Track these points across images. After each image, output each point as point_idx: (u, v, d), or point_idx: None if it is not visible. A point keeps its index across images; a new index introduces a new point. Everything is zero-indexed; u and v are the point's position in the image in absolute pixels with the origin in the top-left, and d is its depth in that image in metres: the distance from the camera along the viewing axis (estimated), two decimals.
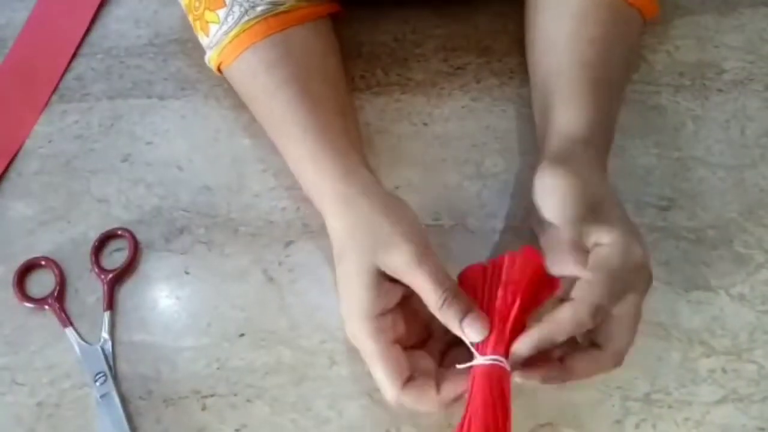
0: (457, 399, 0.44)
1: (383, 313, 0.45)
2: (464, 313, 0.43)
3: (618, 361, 0.44)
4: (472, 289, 0.46)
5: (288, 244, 0.55)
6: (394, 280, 0.45)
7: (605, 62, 0.53)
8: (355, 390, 0.49)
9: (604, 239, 0.44)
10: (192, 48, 0.65)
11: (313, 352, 0.51)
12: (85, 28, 0.68)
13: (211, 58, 0.57)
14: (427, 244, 0.45)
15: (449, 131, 0.60)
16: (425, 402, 0.44)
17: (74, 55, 0.66)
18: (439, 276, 0.44)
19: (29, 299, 0.54)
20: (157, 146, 0.61)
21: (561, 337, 0.42)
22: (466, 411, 0.43)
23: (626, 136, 0.59)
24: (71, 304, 0.54)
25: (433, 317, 0.45)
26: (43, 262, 0.55)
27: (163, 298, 0.54)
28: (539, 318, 0.43)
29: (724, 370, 0.49)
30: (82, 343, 0.52)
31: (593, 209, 0.45)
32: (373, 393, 0.49)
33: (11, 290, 0.54)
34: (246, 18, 0.54)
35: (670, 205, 0.56)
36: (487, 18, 0.66)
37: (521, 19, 0.61)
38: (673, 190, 0.56)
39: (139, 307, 0.54)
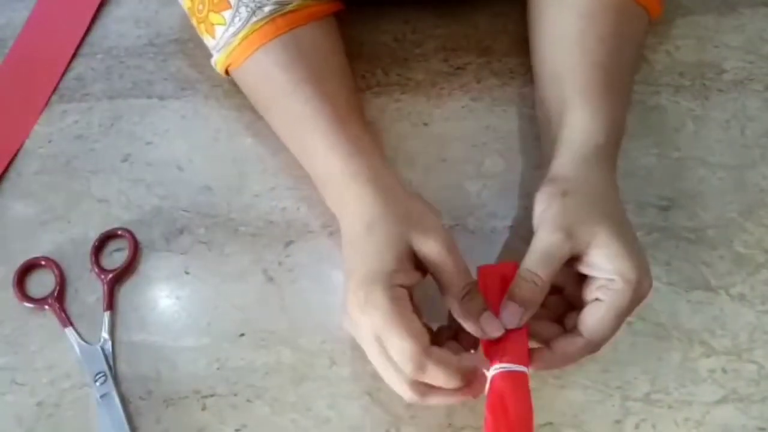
0: (477, 375, 0.44)
1: (402, 287, 0.44)
2: (483, 310, 0.45)
3: (596, 349, 0.45)
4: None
5: (288, 244, 0.55)
6: (415, 268, 0.46)
7: (616, 62, 0.53)
8: (355, 390, 0.49)
9: (619, 274, 0.44)
10: (192, 48, 0.65)
11: (313, 352, 0.51)
12: (85, 28, 0.68)
13: (218, 61, 0.57)
14: (453, 239, 0.46)
15: (449, 131, 0.60)
16: (447, 368, 0.42)
17: (74, 55, 0.66)
18: (465, 270, 0.45)
19: (29, 299, 0.54)
20: (157, 146, 0.61)
21: (565, 365, 0.46)
22: (493, 417, 0.43)
23: (626, 136, 0.58)
24: (71, 304, 0.54)
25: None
26: (43, 262, 0.55)
27: (163, 298, 0.54)
28: (552, 347, 0.45)
29: (724, 370, 0.49)
30: (82, 343, 0.52)
31: (603, 231, 0.45)
32: (373, 393, 0.49)
33: (11, 290, 0.54)
34: (254, 19, 0.54)
35: (670, 205, 0.56)
36: (487, 18, 0.66)
37: (521, 19, 0.61)
38: (673, 190, 0.56)
39: (139, 307, 0.54)
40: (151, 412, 0.49)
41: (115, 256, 0.56)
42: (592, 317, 0.44)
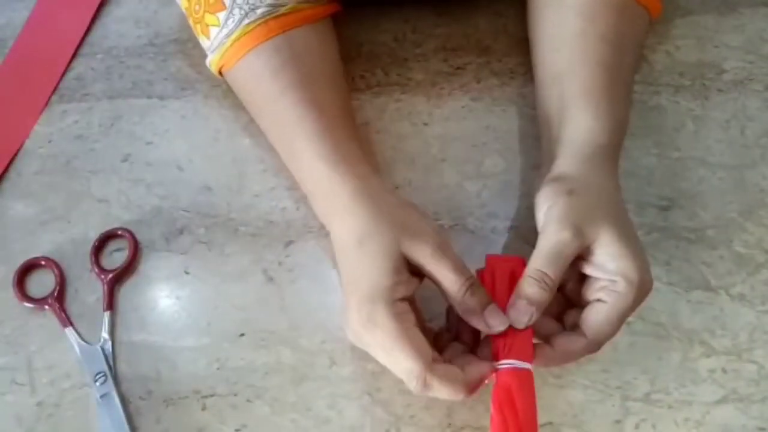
0: (482, 382, 0.44)
1: (403, 299, 0.45)
2: (485, 304, 0.45)
3: (596, 349, 0.45)
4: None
5: (288, 244, 0.55)
6: (413, 274, 0.46)
7: (618, 62, 0.53)
8: (355, 390, 0.49)
9: (622, 275, 0.44)
10: (192, 48, 0.65)
11: (313, 352, 0.51)
12: (85, 28, 0.68)
13: (212, 62, 0.57)
14: (446, 239, 0.46)
15: (449, 131, 0.60)
16: (453, 382, 0.43)
17: (74, 55, 0.66)
18: (461, 267, 0.45)
19: (29, 299, 0.54)
20: (157, 146, 0.61)
21: (565, 363, 0.46)
22: (500, 414, 0.43)
23: (626, 136, 0.58)
24: (71, 304, 0.54)
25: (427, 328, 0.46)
26: (43, 262, 0.55)
27: (163, 298, 0.54)
28: (553, 345, 0.45)
29: (724, 370, 0.49)
30: (82, 343, 0.52)
31: (608, 231, 0.45)
32: (373, 393, 0.49)
33: (11, 290, 0.54)
34: (246, 21, 0.54)
35: (670, 205, 0.56)
36: (487, 18, 0.66)
37: (521, 19, 0.61)
38: (673, 190, 0.56)
39: (139, 307, 0.54)
40: (151, 412, 0.49)
41: (115, 256, 0.56)
42: (595, 318, 0.44)
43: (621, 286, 0.44)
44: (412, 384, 0.43)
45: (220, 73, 0.58)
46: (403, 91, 0.62)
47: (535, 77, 0.57)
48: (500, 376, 0.44)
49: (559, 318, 0.47)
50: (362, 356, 0.50)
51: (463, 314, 0.45)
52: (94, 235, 0.56)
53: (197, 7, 0.56)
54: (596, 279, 0.45)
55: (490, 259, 0.48)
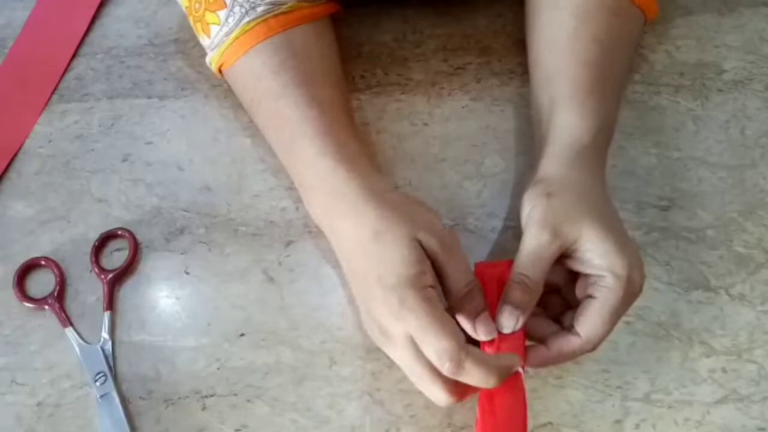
0: (511, 371, 0.44)
1: (429, 287, 0.44)
2: (481, 310, 0.45)
3: (591, 347, 0.45)
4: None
5: (288, 244, 0.55)
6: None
7: (608, 62, 0.53)
8: (355, 390, 0.49)
9: (609, 270, 0.44)
10: (192, 48, 0.65)
11: (313, 352, 0.51)
12: (85, 28, 0.68)
13: (212, 60, 0.57)
14: (457, 237, 0.47)
15: (449, 131, 0.60)
16: (485, 367, 0.42)
17: (74, 55, 0.66)
18: (468, 268, 0.46)
19: (29, 299, 0.54)
20: (157, 146, 0.61)
21: (560, 363, 0.46)
22: (481, 417, 0.43)
23: (626, 136, 0.59)
24: (71, 304, 0.54)
25: None
26: (43, 262, 0.55)
27: (163, 298, 0.54)
28: (548, 345, 0.45)
29: (724, 370, 0.49)
30: (82, 343, 0.52)
31: (589, 228, 0.45)
32: (373, 393, 0.49)
33: (11, 290, 0.54)
34: (247, 19, 0.54)
35: (670, 205, 0.56)
36: (487, 18, 0.66)
37: (521, 20, 0.61)
38: (673, 190, 0.56)
39: (139, 307, 0.54)
40: (151, 412, 0.49)
41: (115, 256, 0.56)
42: (586, 315, 0.44)
43: (608, 281, 0.44)
44: (446, 366, 0.41)
45: (220, 71, 0.58)
46: (403, 91, 0.62)
47: (530, 78, 0.57)
48: None
49: (559, 321, 0.47)
50: (362, 356, 0.50)
51: (456, 313, 0.45)
52: (94, 235, 0.56)
53: (198, 6, 0.56)
54: (586, 276, 0.45)
55: (478, 266, 0.48)
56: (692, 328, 0.51)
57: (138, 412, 0.49)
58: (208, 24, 0.56)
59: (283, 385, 0.50)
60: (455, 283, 0.45)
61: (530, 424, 0.47)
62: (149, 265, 0.55)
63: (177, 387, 0.50)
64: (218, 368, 0.51)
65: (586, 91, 0.51)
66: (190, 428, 0.49)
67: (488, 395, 0.44)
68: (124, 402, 0.50)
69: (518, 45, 0.62)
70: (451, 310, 0.45)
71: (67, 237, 0.57)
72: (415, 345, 0.43)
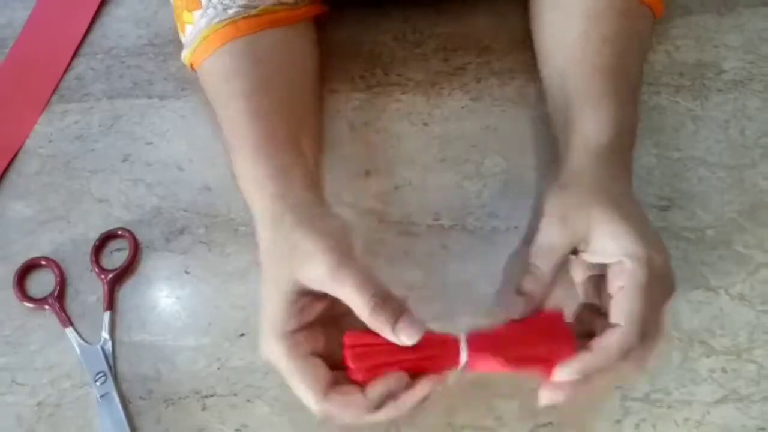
0: (389, 398, 0.42)
1: (298, 330, 0.43)
2: (396, 317, 0.41)
3: (639, 369, 0.43)
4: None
5: None
6: (318, 298, 0.44)
7: (621, 63, 0.52)
8: None
9: (625, 253, 0.43)
10: None
11: None
12: (85, 28, 0.68)
13: (184, 57, 0.57)
14: (350, 254, 0.43)
15: (449, 131, 0.60)
16: (351, 405, 0.42)
17: (74, 55, 0.66)
18: (365, 282, 0.42)
19: (29, 299, 0.54)
20: (157, 146, 0.61)
21: (608, 363, 0.42)
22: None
23: None
24: (71, 304, 0.54)
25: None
26: (43, 262, 0.55)
27: (163, 298, 0.54)
28: (590, 346, 0.43)
29: (724, 370, 0.49)
30: (83, 343, 0.52)
31: (599, 214, 0.44)
32: None
33: (11, 290, 0.54)
34: (217, 20, 0.53)
35: (670, 205, 0.56)
36: (487, 18, 0.66)
37: (521, 19, 0.61)
38: (673, 190, 0.56)
39: (139, 307, 0.54)
40: (151, 412, 0.49)
41: (115, 256, 0.56)
42: (618, 303, 0.43)
43: (628, 264, 0.43)
44: (313, 411, 0.42)
45: (192, 68, 0.58)
46: (403, 91, 0.62)
47: (542, 80, 0.57)
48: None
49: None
50: None
51: (375, 330, 0.42)
52: (94, 235, 0.56)
53: (179, 3, 0.56)
54: (609, 268, 0.44)
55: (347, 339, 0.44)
56: (692, 328, 0.51)
57: (138, 412, 0.49)
58: (184, 23, 0.56)
59: (283, 385, 0.49)
60: (355, 306, 0.42)
61: (530, 424, 0.48)
62: (149, 265, 0.55)
63: (177, 387, 0.50)
64: (218, 368, 0.51)
65: (600, 93, 0.51)
66: (190, 428, 0.49)
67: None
68: (124, 402, 0.50)
69: (518, 45, 0.62)
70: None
71: (67, 237, 0.57)
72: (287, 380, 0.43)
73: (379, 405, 0.42)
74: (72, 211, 0.58)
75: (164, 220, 0.57)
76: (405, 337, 0.41)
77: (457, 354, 0.43)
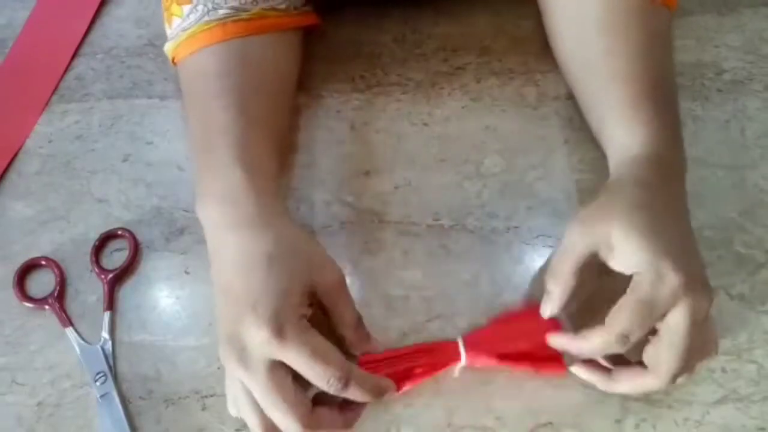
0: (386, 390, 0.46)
1: (304, 317, 0.44)
2: (367, 336, 0.48)
3: (664, 382, 0.44)
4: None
5: None
6: (310, 304, 0.45)
7: (649, 70, 0.51)
8: None
9: (635, 268, 0.43)
10: None
11: None
12: (85, 28, 0.68)
13: (167, 49, 0.57)
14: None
15: (449, 131, 0.60)
16: (369, 381, 0.45)
17: (74, 55, 0.66)
18: (352, 304, 0.48)
19: (29, 299, 0.54)
20: (157, 146, 0.61)
21: (589, 355, 0.46)
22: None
23: None
24: (71, 304, 0.54)
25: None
26: (43, 262, 0.55)
27: (163, 298, 0.54)
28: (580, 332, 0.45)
29: (724, 370, 0.49)
30: (83, 343, 0.52)
31: (619, 223, 0.44)
32: None
33: (11, 290, 0.54)
34: (206, 18, 0.53)
35: None
36: (487, 18, 0.66)
37: (521, 19, 0.61)
38: None
39: (139, 307, 0.54)
40: (151, 412, 0.49)
41: (115, 256, 0.56)
42: (615, 310, 0.43)
43: (638, 277, 0.43)
44: (333, 386, 0.43)
45: (173, 62, 0.58)
46: (403, 91, 0.62)
47: (574, 92, 0.57)
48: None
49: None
50: None
51: (354, 341, 0.47)
52: (94, 235, 0.56)
53: None
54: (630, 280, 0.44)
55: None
56: None
57: (138, 412, 0.49)
58: (172, 15, 0.56)
59: None
60: (348, 315, 0.47)
61: (530, 424, 0.48)
62: (149, 265, 0.55)
63: (177, 387, 0.50)
64: (218, 368, 0.51)
65: (631, 104, 0.50)
66: (190, 428, 0.49)
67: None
68: (124, 402, 0.50)
69: (518, 45, 0.63)
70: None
71: (67, 237, 0.57)
72: (277, 372, 0.42)
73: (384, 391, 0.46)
74: (72, 211, 0.58)
75: (164, 220, 0.57)
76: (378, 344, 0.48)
77: (457, 356, 0.48)
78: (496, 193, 0.57)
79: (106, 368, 0.51)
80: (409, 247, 0.54)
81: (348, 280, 0.47)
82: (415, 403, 0.49)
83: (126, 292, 0.54)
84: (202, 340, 0.52)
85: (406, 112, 0.61)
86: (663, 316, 0.43)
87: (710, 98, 0.61)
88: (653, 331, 0.44)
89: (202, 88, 0.53)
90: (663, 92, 0.52)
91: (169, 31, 0.57)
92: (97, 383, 0.50)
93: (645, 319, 0.42)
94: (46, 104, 0.64)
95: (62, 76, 0.65)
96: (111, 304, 0.53)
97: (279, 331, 0.42)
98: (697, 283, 0.43)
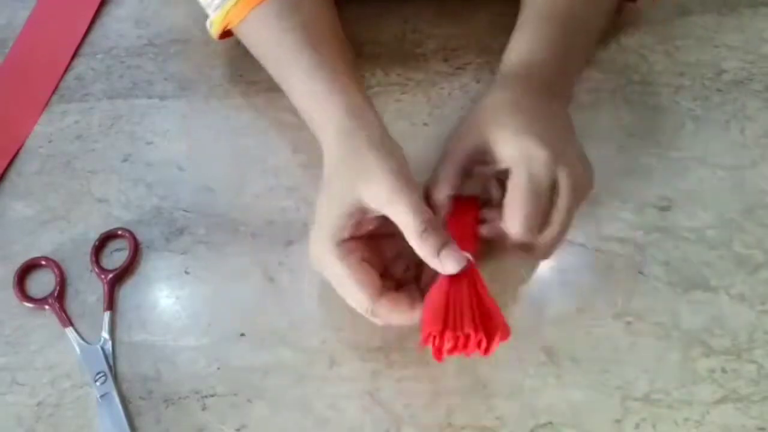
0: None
1: (350, 239, 0.46)
2: (442, 245, 0.44)
3: (571, 214, 0.48)
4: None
5: (288, 244, 0.55)
6: (369, 217, 0.47)
7: (578, 18, 0.55)
8: (355, 390, 0.49)
9: (511, 155, 0.48)
10: (192, 48, 0.65)
11: (313, 352, 0.51)
12: (85, 28, 0.68)
13: (214, 21, 0.58)
14: (410, 179, 0.46)
15: (449, 131, 0.60)
16: (400, 307, 0.45)
17: (74, 55, 0.66)
18: (419, 208, 0.45)
19: (29, 299, 0.54)
20: (157, 146, 0.61)
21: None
22: (449, 303, 0.45)
23: (626, 136, 0.59)
24: (71, 304, 0.54)
25: (393, 260, 0.49)
26: (43, 262, 0.55)
27: (163, 298, 0.54)
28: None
29: (723, 370, 0.49)
30: (83, 343, 0.52)
31: (501, 123, 0.49)
32: (373, 393, 0.49)
33: (11, 290, 0.54)
34: None
35: (670, 205, 0.56)
36: (487, 18, 0.66)
37: None
38: (673, 190, 0.56)
39: (139, 307, 0.54)
40: (151, 412, 0.49)
41: (115, 256, 0.56)
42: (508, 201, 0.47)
43: (514, 168, 0.48)
44: (363, 312, 0.46)
45: (223, 32, 0.58)
46: (403, 91, 0.62)
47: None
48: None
49: None
50: (362, 356, 0.50)
51: (421, 256, 0.45)
52: (94, 235, 0.56)
53: None
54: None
55: (455, 201, 0.50)
56: (692, 328, 0.51)
57: (138, 412, 0.49)
58: None
59: (283, 385, 0.50)
60: (407, 227, 0.45)
61: (530, 424, 0.48)
62: (149, 265, 0.55)
63: (177, 387, 0.50)
64: (218, 368, 0.51)
65: (544, 17, 0.54)
66: (190, 428, 0.49)
67: (441, 289, 0.45)
68: (124, 402, 0.50)
69: None
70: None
71: (67, 237, 0.57)
72: (335, 275, 0.47)
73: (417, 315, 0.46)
74: (72, 211, 0.58)
75: (164, 220, 0.57)
76: (449, 264, 0.44)
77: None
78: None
79: (106, 368, 0.51)
80: None
81: None
82: (415, 403, 0.49)
83: (126, 292, 0.54)
84: (202, 340, 0.52)
85: (406, 112, 0.61)
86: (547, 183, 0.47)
87: (710, 98, 0.61)
88: None
89: (265, 36, 0.56)
90: (584, 27, 0.57)
91: (205, 2, 0.57)
92: (97, 383, 0.50)
93: (535, 202, 0.47)
94: (46, 104, 0.64)
95: (62, 76, 0.65)
96: (111, 304, 0.53)
97: (319, 255, 0.47)
98: (568, 156, 0.48)
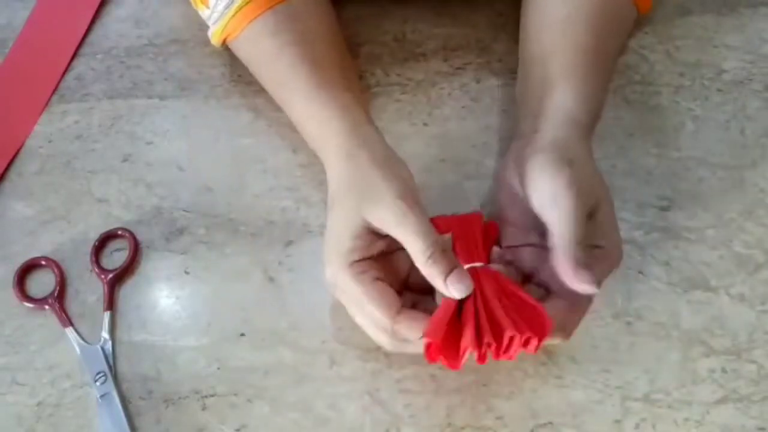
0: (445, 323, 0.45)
1: (363, 259, 0.46)
2: (449, 270, 0.44)
3: (620, 254, 0.47)
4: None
5: (288, 244, 0.55)
6: (379, 236, 0.46)
7: (601, 47, 0.54)
8: (355, 390, 0.49)
9: (611, 243, 0.47)
10: (192, 48, 0.65)
11: (313, 352, 0.51)
12: (85, 28, 0.68)
13: (214, 33, 0.58)
14: (416, 201, 0.46)
15: (449, 131, 0.60)
16: (420, 323, 0.43)
17: (74, 55, 0.66)
18: (426, 231, 0.44)
19: (29, 299, 0.54)
20: (157, 146, 0.61)
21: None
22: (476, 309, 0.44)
23: (626, 136, 0.59)
24: (71, 304, 0.54)
25: (409, 276, 0.48)
26: (43, 262, 0.55)
27: (163, 298, 0.54)
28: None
29: (724, 370, 0.49)
30: (83, 343, 0.52)
31: (603, 200, 0.47)
32: (373, 393, 0.49)
33: (11, 290, 0.54)
34: None
35: (670, 205, 0.56)
36: (487, 18, 0.66)
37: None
38: (673, 190, 0.56)
39: (139, 307, 0.54)
40: (151, 412, 0.49)
41: (115, 256, 0.56)
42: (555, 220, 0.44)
43: (609, 252, 0.46)
44: (383, 340, 0.45)
45: (224, 43, 0.59)
46: (403, 91, 0.62)
47: (520, 58, 0.58)
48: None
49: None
50: (362, 356, 0.50)
51: (427, 278, 0.44)
52: (94, 235, 0.56)
53: None
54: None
55: (440, 221, 0.48)
56: (692, 328, 0.51)
57: (138, 412, 0.49)
58: None
59: (283, 385, 0.50)
60: (413, 251, 0.44)
61: (530, 424, 0.48)
62: (149, 265, 0.55)
63: (177, 387, 0.50)
64: (218, 368, 0.51)
65: (581, 74, 0.52)
66: (190, 428, 0.49)
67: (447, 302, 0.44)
68: (124, 402, 0.50)
69: (518, 45, 0.62)
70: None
71: (67, 237, 0.57)
72: (349, 295, 0.46)
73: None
74: (72, 211, 0.58)
75: (164, 220, 0.57)
76: (454, 290, 0.43)
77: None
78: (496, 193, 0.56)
79: (106, 368, 0.51)
80: None
81: None
82: (415, 403, 0.49)
83: (126, 292, 0.54)
84: (202, 340, 0.52)
85: (406, 112, 0.61)
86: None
87: (710, 98, 0.61)
88: None
89: (262, 51, 0.56)
90: (608, 65, 0.56)
91: (206, 12, 0.58)
92: (97, 383, 0.50)
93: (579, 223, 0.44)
94: (46, 104, 0.64)
95: (62, 76, 0.65)
96: (111, 304, 0.53)
97: (333, 278, 0.47)
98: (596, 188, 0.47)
